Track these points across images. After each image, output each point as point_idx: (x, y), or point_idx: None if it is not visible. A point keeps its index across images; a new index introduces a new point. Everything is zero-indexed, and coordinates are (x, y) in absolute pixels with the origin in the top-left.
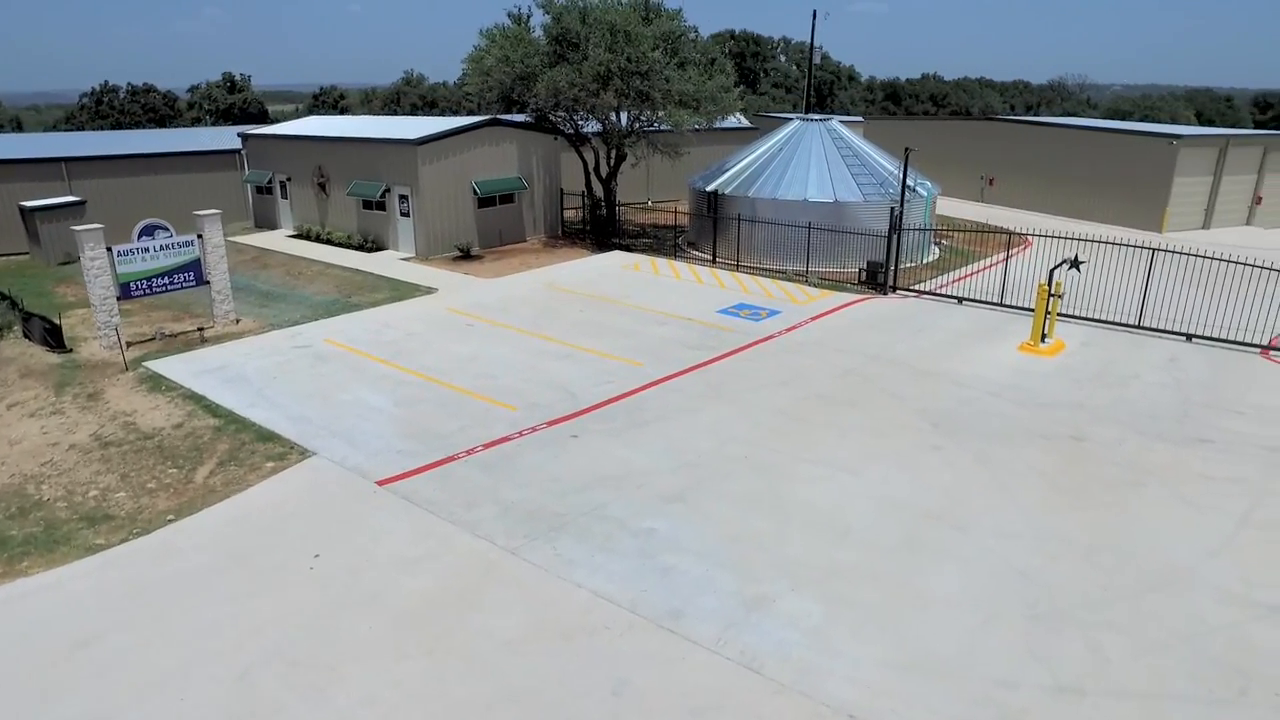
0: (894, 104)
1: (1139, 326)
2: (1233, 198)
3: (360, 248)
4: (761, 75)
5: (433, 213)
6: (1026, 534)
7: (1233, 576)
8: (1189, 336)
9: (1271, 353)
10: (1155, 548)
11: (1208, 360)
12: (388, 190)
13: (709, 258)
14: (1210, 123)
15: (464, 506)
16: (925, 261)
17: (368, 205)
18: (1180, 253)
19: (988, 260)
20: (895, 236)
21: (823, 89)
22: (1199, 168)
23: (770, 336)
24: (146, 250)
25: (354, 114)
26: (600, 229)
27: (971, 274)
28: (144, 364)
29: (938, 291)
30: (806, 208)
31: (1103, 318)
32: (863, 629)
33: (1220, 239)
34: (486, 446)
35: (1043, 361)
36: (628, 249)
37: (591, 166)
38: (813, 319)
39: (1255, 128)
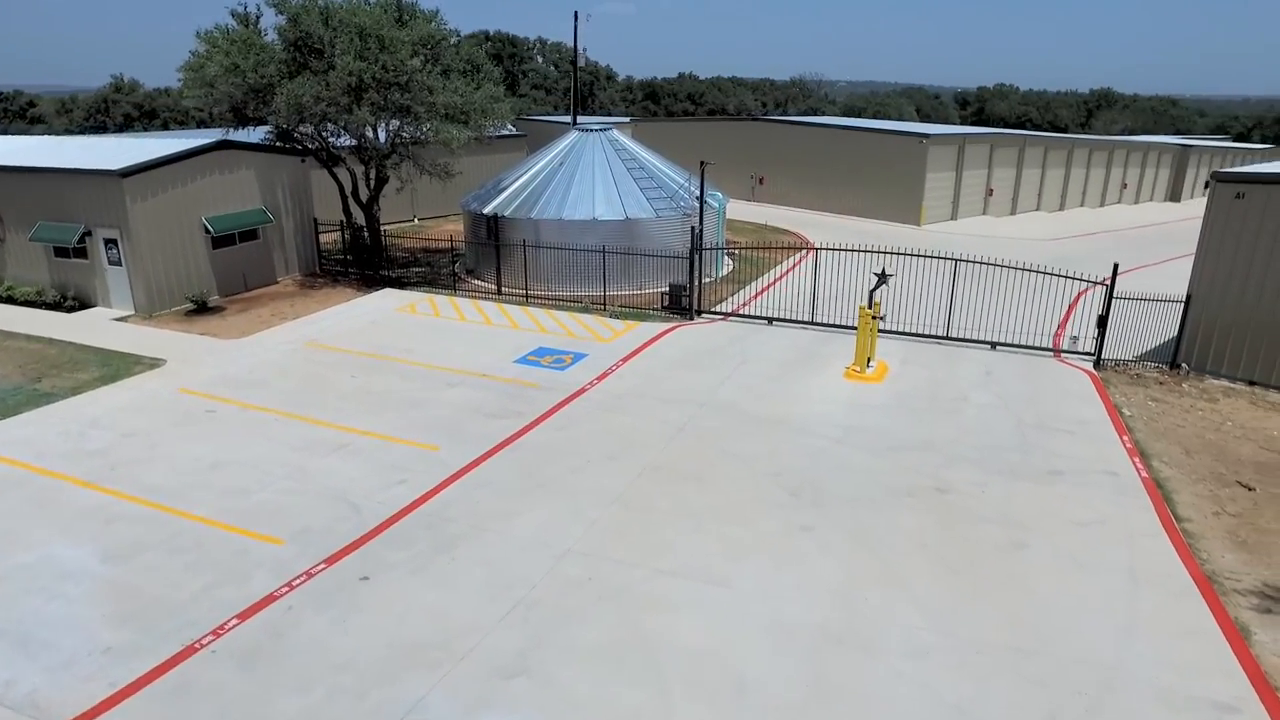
0: (653, 103)
1: (946, 337)
2: (972, 190)
3: (56, 306)
4: (520, 77)
5: (153, 259)
6: (941, 644)
7: (1159, 665)
8: (993, 344)
9: (1063, 355)
10: (1072, 636)
11: (1016, 370)
12: (89, 233)
13: (494, 288)
14: (927, 118)
15: None
16: (721, 275)
17: (63, 253)
18: (981, 263)
19: (780, 268)
20: (697, 257)
21: (582, 90)
22: (944, 164)
23: (582, 389)
24: None
25: (49, 125)
26: (365, 261)
27: (769, 286)
28: None
29: (743, 311)
30: (596, 227)
31: (912, 330)
32: None
33: (967, 229)
34: (243, 617)
35: (873, 390)
36: (400, 284)
37: (349, 190)
38: (623, 360)
39: (960, 123)
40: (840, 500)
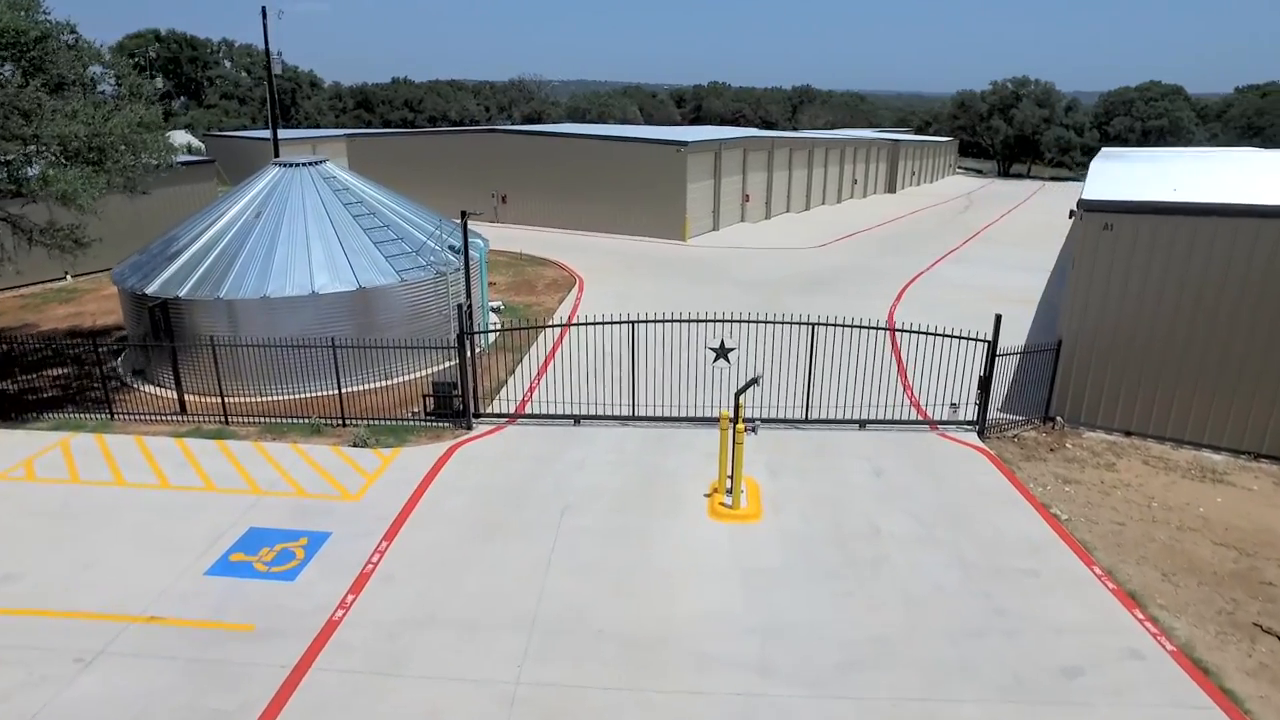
0: (367, 111)
1: (805, 420)
2: (730, 198)
3: None
4: (206, 85)
5: None
6: None
7: None
8: (861, 424)
9: (939, 427)
10: None
11: (907, 463)
12: None
13: (175, 401)
14: (650, 117)
15: None
16: (490, 343)
17: None
18: (842, 325)
19: (559, 319)
20: (469, 341)
21: (284, 98)
22: (703, 172)
23: (331, 622)
24: None
25: None
26: None
27: (554, 350)
28: None
29: (534, 409)
30: (316, 305)
31: (763, 416)
32: None
33: (730, 240)
34: None
35: (758, 538)
36: (20, 408)
37: None
38: (388, 535)
39: (682, 121)
40: None
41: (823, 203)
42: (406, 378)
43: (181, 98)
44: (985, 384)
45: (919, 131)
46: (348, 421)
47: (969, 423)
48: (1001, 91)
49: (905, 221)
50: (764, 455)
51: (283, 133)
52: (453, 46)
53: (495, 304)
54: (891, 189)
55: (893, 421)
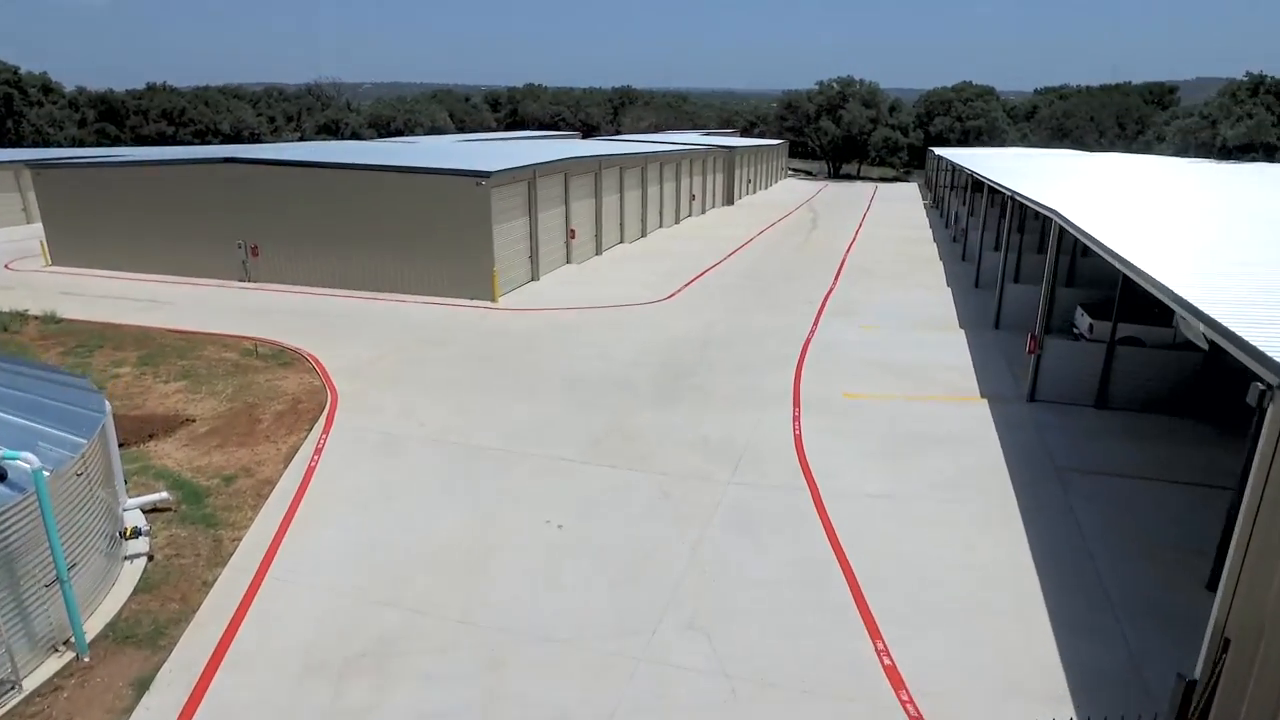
0: (114, 124)
1: None
2: (551, 237)
3: None
4: None
5: None
6: None
7: None
8: None
9: None
10: None
11: None
12: None
13: None
14: (462, 124)
15: None
16: (94, 631)
17: None
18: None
19: (273, 513)
20: None
21: None
22: (514, 208)
23: None
24: None
25: None
26: None
27: (234, 629)
28: None
29: None
30: None
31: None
32: None
33: (555, 295)
34: None
35: None
36: None
37: None
38: None
39: (496, 127)
40: None
41: (660, 225)
42: None
43: None
44: None
45: (745, 133)
46: None
47: None
48: (828, 92)
49: (757, 246)
50: None
51: None
52: (254, 48)
53: (150, 498)
54: (730, 200)
55: None
